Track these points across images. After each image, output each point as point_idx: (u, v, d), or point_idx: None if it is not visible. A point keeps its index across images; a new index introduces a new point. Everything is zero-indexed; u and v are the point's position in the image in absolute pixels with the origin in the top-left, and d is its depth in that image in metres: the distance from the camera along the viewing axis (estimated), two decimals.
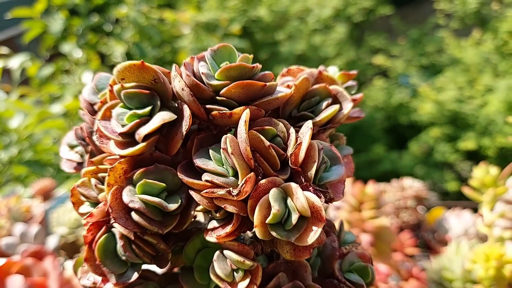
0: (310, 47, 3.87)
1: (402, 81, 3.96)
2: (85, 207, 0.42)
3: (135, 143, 0.36)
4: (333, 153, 0.38)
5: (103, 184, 0.39)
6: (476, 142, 3.09)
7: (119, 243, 0.36)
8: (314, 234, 0.32)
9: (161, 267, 0.38)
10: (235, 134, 0.36)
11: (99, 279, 0.38)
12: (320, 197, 0.33)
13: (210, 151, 0.36)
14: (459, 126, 3.28)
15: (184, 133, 0.36)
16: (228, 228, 0.34)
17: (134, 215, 0.35)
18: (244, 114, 0.34)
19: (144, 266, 0.39)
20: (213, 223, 0.36)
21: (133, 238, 0.35)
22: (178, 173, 0.36)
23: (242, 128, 0.34)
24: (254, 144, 0.35)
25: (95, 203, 0.41)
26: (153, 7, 2.68)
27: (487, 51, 3.46)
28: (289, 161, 0.35)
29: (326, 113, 0.42)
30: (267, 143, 0.34)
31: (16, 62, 1.99)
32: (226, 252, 0.35)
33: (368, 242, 0.87)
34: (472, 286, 0.77)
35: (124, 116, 0.37)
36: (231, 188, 0.33)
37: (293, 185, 0.33)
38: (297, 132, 0.37)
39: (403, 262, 0.99)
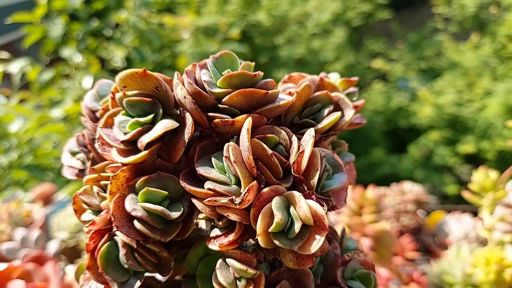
0: (309, 51, 3.87)
1: (401, 84, 3.97)
2: (87, 215, 0.42)
3: (137, 151, 0.36)
4: (335, 160, 0.38)
5: (105, 192, 0.39)
6: (475, 146, 3.09)
7: (122, 251, 0.36)
8: (317, 242, 0.32)
9: (163, 275, 0.37)
10: (237, 142, 0.36)
11: (101, 287, 0.38)
12: (323, 206, 0.33)
13: (213, 159, 0.36)
14: (458, 130, 3.29)
15: (187, 141, 0.36)
16: (231, 237, 0.34)
17: (136, 223, 0.35)
18: (247, 122, 0.35)
19: (147, 274, 0.39)
20: (216, 231, 0.36)
21: (135, 246, 0.35)
22: (181, 181, 0.36)
23: (244, 136, 0.34)
24: (257, 152, 0.35)
25: (97, 211, 0.40)
26: (153, 12, 2.68)
27: (485, 55, 3.47)
28: (292, 169, 0.35)
29: (328, 120, 0.42)
30: (270, 151, 0.34)
31: (16, 67, 1.99)
32: (228, 260, 0.35)
33: (368, 246, 0.87)
34: None
35: (126, 123, 0.37)
36: (233, 197, 0.33)
37: (296, 193, 0.33)
38: (299, 139, 0.37)
39: (403, 266, 0.99)
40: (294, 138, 0.37)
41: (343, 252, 0.43)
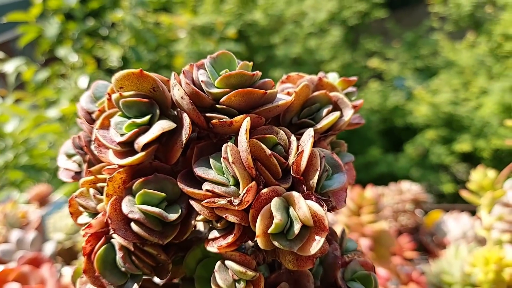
0: (305, 50, 3.88)
1: (397, 83, 3.98)
2: (84, 218, 0.41)
3: (134, 152, 0.36)
4: (334, 161, 0.38)
5: (101, 194, 0.39)
6: (471, 144, 3.10)
7: (119, 254, 0.35)
8: (317, 243, 0.31)
9: (161, 278, 0.37)
10: (235, 143, 0.35)
11: None
12: (322, 206, 0.32)
13: (211, 160, 0.36)
14: (454, 128, 3.30)
15: (184, 141, 0.35)
16: (230, 238, 0.34)
17: (133, 226, 0.34)
18: (245, 123, 0.34)
19: (145, 277, 0.38)
20: (214, 233, 0.36)
21: (132, 249, 0.35)
22: (178, 183, 0.35)
23: (243, 137, 0.33)
24: (255, 153, 0.34)
25: (93, 214, 0.40)
26: (149, 11, 2.67)
27: (481, 54, 3.48)
28: (291, 170, 0.35)
29: (327, 120, 0.41)
30: (269, 151, 0.34)
31: (11, 66, 1.98)
32: (227, 262, 0.35)
33: (367, 246, 0.87)
34: None
35: (123, 125, 0.37)
36: (232, 198, 0.33)
37: (295, 194, 0.33)
38: (298, 139, 0.37)
39: (402, 266, 0.99)
40: (293, 138, 0.36)
41: (343, 253, 0.43)
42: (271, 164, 0.34)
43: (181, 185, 0.35)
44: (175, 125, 0.36)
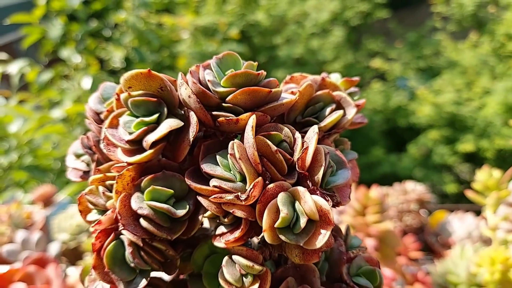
0: (308, 51, 3.88)
1: (400, 84, 3.98)
2: (93, 215, 0.42)
3: (143, 150, 0.37)
4: (338, 157, 0.39)
5: (111, 191, 0.39)
6: (474, 144, 3.10)
7: (128, 250, 0.36)
8: (323, 237, 0.32)
9: (169, 274, 0.38)
10: (241, 140, 0.36)
11: (107, 286, 0.38)
12: (327, 201, 0.33)
13: (217, 157, 0.37)
14: (457, 128, 3.30)
15: (191, 139, 0.36)
16: (237, 233, 0.34)
17: (142, 222, 0.35)
18: (251, 120, 0.35)
19: (153, 274, 0.39)
20: (221, 229, 0.36)
21: (141, 244, 0.36)
22: (186, 179, 0.36)
23: (249, 134, 0.34)
24: (261, 149, 0.35)
25: (103, 211, 0.41)
26: (152, 12, 2.68)
27: (484, 54, 3.48)
28: (296, 166, 0.36)
29: (330, 119, 0.42)
30: (274, 148, 0.34)
31: (15, 68, 1.99)
32: (235, 257, 0.35)
33: (372, 246, 0.87)
34: None
35: (131, 124, 0.37)
36: (239, 193, 0.33)
37: (301, 189, 0.33)
38: (302, 137, 0.37)
39: (407, 266, 0.99)
40: (298, 135, 0.37)
41: (347, 249, 0.43)
42: (277, 160, 0.35)
43: (188, 182, 0.36)
44: (183, 123, 0.37)
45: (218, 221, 0.38)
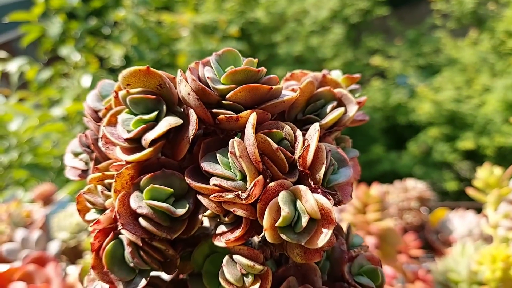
0: (307, 48, 3.88)
1: (400, 81, 3.98)
2: (91, 214, 0.41)
3: (142, 148, 0.36)
4: (340, 155, 0.38)
5: (109, 190, 0.39)
6: (474, 142, 3.10)
7: (127, 250, 0.36)
8: (325, 236, 0.31)
9: (169, 273, 0.37)
10: (241, 138, 0.36)
11: (106, 286, 0.38)
12: (329, 199, 0.32)
13: (217, 155, 0.36)
14: (457, 126, 3.29)
15: (191, 137, 0.36)
16: (237, 232, 0.34)
17: (142, 221, 0.34)
18: (251, 117, 0.34)
19: (152, 274, 0.38)
20: (222, 228, 0.36)
21: (141, 244, 0.35)
22: (186, 178, 0.36)
23: (249, 131, 0.34)
24: (262, 147, 0.34)
25: (101, 210, 0.40)
26: (151, 10, 2.67)
27: (484, 51, 3.48)
28: (297, 164, 0.35)
29: (331, 116, 0.41)
30: (275, 145, 0.34)
31: (14, 66, 1.98)
32: (235, 256, 0.35)
33: (373, 244, 0.87)
34: None
35: (130, 121, 0.37)
36: (239, 192, 0.33)
37: (302, 187, 0.33)
38: (303, 135, 0.37)
39: (408, 264, 0.99)
40: (299, 133, 0.36)
41: (349, 248, 0.43)
42: (278, 158, 0.34)
43: (188, 180, 0.35)
44: (182, 121, 0.36)
45: (218, 220, 0.38)
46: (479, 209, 1.10)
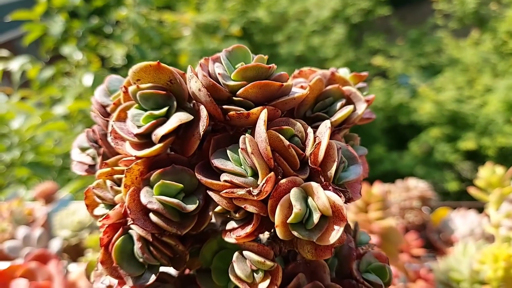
0: (309, 48, 3.88)
1: (401, 81, 3.98)
2: (100, 209, 0.41)
3: (152, 144, 0.36)
4: (350, 153, 0.38)
5: (118, 185, 0.39)
6: (476, 142, 3.10)
7: (137, 245, 0.36)
8: (336, 233, 0.31)
9: (178, 269, 0.37)
10: (252, 134, 0.36)
11: (115, 282, 0.38)
12: (340, 196, 0.32)
13: (228, 151, 0.36)
14: (459, 126, 3.29)
15: (202, 133, 0.36)
16: (248, 229, 0.34)
17: (152, 216, 0.34)
18: (263, 114, 0.34)
19: (161, 269, 0.38)
20: (232, 224, 0.36)
21: (151, 239, 0.35)
22: (196, 174, 0.35)
23: (261, 128, 0.34)
24: (273, 144, 0.34)
25: (110, 205, 0.40)
26: (153, 9, 2.67)
27: (486, 51, 3.48)
28: (308, 161, 0.35)
29: (341, 114, 0.41)
30: (287, 142, 0.34)
31: (16, 65, 1.98)
32: (245, 253, 0.35)
33: (375, 243, 0.87)
34: (480, 287, 0.76)
35: (140, 117, 0.37)
36: (251, 188, 0.33)
37: (314, 184, 0.33)
38: (314, 132, 0.37)
39: (410, 263, 0.99)
40: (310, 130, 0.36)
41: (357, 245, 0.43)
42: (289, 155, 0.34)
43: (199, 176, 0.35)
44: (192, 117, 0.36)
45: (228, 216, 0.38)
46: (480, 209, 1.10)
